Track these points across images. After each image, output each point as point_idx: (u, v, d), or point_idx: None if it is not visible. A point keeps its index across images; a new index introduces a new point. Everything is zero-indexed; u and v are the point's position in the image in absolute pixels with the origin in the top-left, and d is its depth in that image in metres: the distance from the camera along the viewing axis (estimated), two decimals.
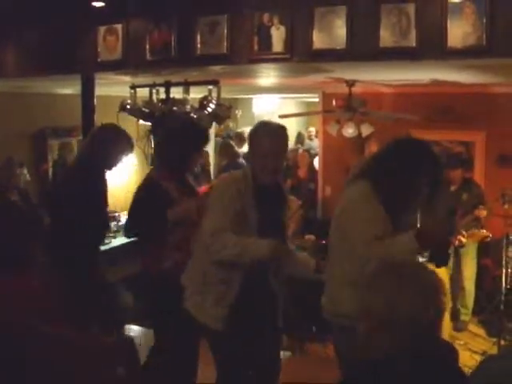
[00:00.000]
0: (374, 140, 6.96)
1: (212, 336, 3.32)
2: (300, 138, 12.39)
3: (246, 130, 11.73)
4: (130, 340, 2.54)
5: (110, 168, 4.42)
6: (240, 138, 10.08)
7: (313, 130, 11.73)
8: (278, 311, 3.51)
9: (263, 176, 3.22)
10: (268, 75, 6.34)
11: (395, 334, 1.55)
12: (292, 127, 12.73)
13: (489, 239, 5.66)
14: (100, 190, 4.37)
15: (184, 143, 3.94)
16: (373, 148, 6.91)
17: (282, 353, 5.19)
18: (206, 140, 4.17)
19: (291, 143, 11.79)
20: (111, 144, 4.33)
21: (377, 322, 1.56)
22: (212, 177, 9.13)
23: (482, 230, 5.64)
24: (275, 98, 11.56)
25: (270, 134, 3.24)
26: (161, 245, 3.84)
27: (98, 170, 4.35)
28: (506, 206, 5.37)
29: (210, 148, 10.32)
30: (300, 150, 9.98)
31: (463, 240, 5.52)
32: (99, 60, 5.31)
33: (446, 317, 5.43)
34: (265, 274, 3.33)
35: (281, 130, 3.30)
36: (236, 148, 9.16)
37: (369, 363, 1.59)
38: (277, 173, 3.28)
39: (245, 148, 9.63)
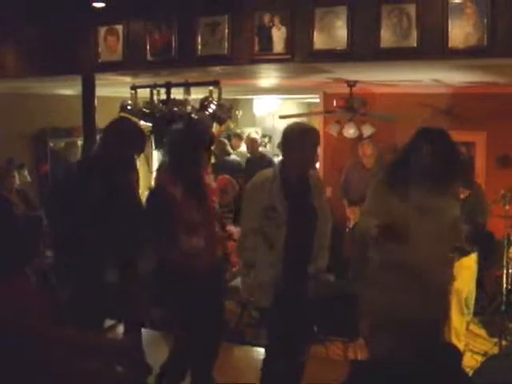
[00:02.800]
0: (367, 141, 6.89)
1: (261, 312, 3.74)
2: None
3: (246, 130, 11.75)
4: (136, 340, 2.53)
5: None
6: (239, 138, 10.11)
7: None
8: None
9: (300, 169, 3.63)
10: (269, 76, 6.34)
11: (398, 333, 1.54)
12: None
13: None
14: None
15: (185, 146, 3.91)
16: (366, 149, 6.82)
17: None
18: (208, 139, 4.16)
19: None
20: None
21: (380, 321, 1.56)
22: None
23: None
24: (276, 98, 11.55)
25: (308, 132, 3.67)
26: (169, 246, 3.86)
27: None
28: (507, 207, 5.37)
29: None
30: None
31: None
32: (100, 61, 5.31)
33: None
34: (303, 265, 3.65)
35: (314, 130, 3.76)
36: (228, 146, 9.21)
37: (372, 362, 1.59)
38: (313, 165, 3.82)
39: (243, 147, 9.70)
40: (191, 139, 3.93)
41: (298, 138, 3.60)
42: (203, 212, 3.86)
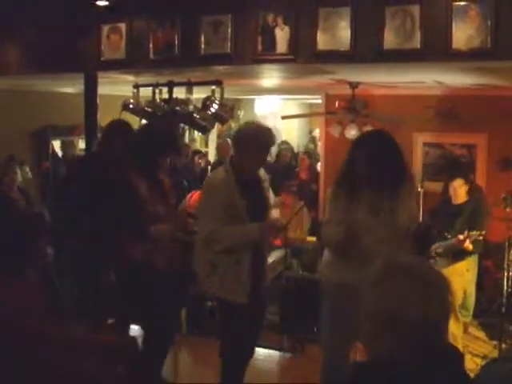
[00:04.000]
0: None
1: (234, 309, 3.76)
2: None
3: None
4: (133, 340, 2.54)
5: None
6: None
7: None
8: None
9: (253, 170, 3.84)
10: (271, 76, 6.33)
11: (401, 334, 1.54)
12: (294, 128, 12.73)
13: (481, 237, 5.58)
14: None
15: (147, 148, 4.03)
16: None
17: (282, 354, 5.23)
18: (169, 145, 4.22)
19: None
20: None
21: (382, 322, 1.56)
22: None
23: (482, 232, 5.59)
24: (278, 98, 11.56)
25: (261, 135, 3.83)
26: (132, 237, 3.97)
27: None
28: (508, 210, 5.36)
29: (211, 149, 10.34)
30: (300, 154, 10.05)
31: (466, 243, 5.47)
32: (102, 59, 5.31)
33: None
34: (262, 253, 3.93)
35: (268, 131, 3.88)
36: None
37: (373, 363, 1.59)
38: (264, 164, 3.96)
39: None
40: (150, 141, 4.06)
41: (251, 139, 3.77)
42: (167, 206, 4.04)
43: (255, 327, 4.03)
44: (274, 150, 10.57)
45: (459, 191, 5.59)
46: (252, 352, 4.07)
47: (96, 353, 2.57)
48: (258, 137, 3.79)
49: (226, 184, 3.74)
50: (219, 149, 9.48)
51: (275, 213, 4.30)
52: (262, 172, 4.03)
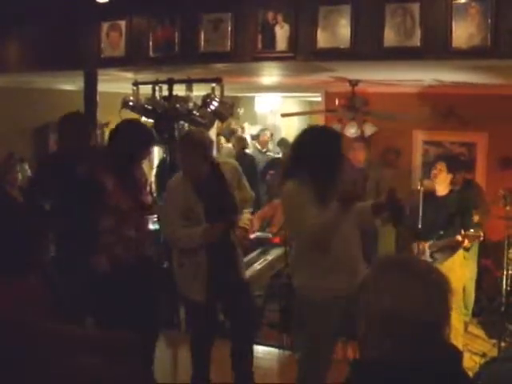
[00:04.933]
0: (358, 144, 6.73)
1: (192, 306, 4.07)
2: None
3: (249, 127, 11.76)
4: (135, 337, 2.53)
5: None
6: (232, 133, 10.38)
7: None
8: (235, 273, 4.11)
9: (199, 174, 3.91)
10: (271, 73, 6.33)
11: (399, 333, 1.54)
12: (294, 126, 12.72)
13: (481, 238, 5.57)
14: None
15: (121, 142, 4.06)
16: (358, 154, 6.66)
17: (282, 351, 5.22)
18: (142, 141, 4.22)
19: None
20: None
21: (380, 321, 1.55)
22: None
23: (479, 232, 5.58)
24: (277, 96, 11.54)
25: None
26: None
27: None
28: (508, 208, 5.35)
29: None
30: None
31: (466, 242, 5.47)
32: (102, 56, 5.31)
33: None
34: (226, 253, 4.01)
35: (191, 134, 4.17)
36: (246, 142, 9.71)
37: (372, 362, 1.59)
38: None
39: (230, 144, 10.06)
40: (128, 136, 4.06)
41: (179, 143, 4.13)
42: (133, 203, 4.03)
43: (211, 323, 4.16)
44: (271, 147, 10.63)
45: (439, 177, 5.52)
46: (212, 340, 4.21)
47: (97, 351, 2.57)
48: (181, 139, 4.16)
49: (182, 187, 3.89)
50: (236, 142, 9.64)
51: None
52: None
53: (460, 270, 5.44)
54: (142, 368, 3.76)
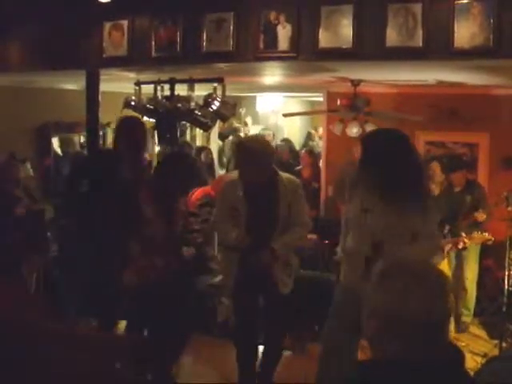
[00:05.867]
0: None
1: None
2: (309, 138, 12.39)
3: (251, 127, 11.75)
4: (141, 338, 2.54)
5: None
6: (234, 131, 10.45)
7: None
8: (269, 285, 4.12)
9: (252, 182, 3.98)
10: (273, 73, 6.33)
11: (403, 334, 1.54)
12: (296, 126, 12.72)
13: (490, 242, 5.61)
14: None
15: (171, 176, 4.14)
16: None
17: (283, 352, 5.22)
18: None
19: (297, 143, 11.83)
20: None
21: (386, 321, 1.56)
22: (216, 174, 9.14)
23: (484, 233, 5.60)
24: (279, 96, 11.54)
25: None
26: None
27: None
28: (510, 208, 5.35)
29: (213, 146, 10.34)
30: (302, 151, 10.02)
31: (466, 241, 5.49)
32: (104, 56, 5.30)
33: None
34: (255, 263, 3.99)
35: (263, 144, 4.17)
36: None
37: (378, 363, 1.59)
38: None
39: None
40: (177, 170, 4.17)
41: (243, 148, 4.16)
42: (168, 233, 4.13)
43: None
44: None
45: (460, 182, 5.66)
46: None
47: (97, 351, 2.57)
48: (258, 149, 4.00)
49: (234, 187, 4.01)
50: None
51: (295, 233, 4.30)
52: (293, 185, 4.09)
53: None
54: (142, 368, 3.78)
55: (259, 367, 4.31)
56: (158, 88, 5.49)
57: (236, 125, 10.98)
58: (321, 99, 8.71)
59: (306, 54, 4.48)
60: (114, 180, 4.25)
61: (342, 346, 3.61)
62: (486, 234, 5.53)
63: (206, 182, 6.54)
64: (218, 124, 8.16)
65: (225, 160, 10.43)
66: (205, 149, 9.24)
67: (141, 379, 2.54)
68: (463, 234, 5.52)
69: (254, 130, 11.65)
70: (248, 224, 3.98)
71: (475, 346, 5.59)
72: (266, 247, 3.94)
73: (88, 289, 4.14)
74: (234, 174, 4.15)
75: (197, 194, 6.16)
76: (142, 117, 5.60)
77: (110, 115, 4.92)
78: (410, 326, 1.53)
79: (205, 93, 5.47)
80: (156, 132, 5.70)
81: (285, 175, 4.12)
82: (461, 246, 5.45)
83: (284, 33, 4.48)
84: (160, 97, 5.49)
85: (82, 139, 8.31)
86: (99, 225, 4.21)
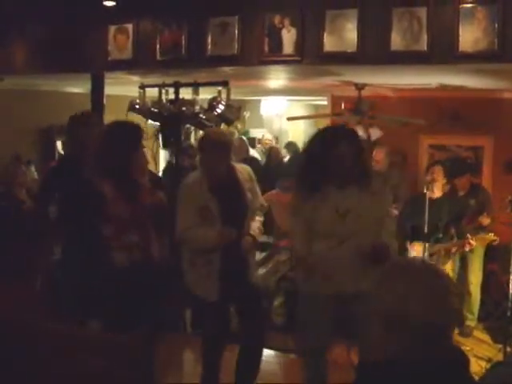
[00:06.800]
0: (381, 147, 6.82)
1: (204, 306, 4.00)
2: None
3: (254, 131, 11.77)
4: (142, 338, 2.54)
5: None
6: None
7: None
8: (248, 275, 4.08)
9: (218, 174, 3.90)
10: (278, 77, 6.34)
11: (405, 335, 1.54)
12: (300, 130, 12.72)
13: (496, 243, 5.61)
14: None
15: (115, 145, 3.81)
16: (379, 155, 6.76)
17: (286, 354, 5.22)
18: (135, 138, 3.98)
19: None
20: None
21: (388, 323, 1.56)
22: None
23: (489, 234, 5.62)
24: (283, 100, 11.55)
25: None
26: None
27: None
28: None
29: None
30: None
31: (472, 243, 5.50)
32: (109, 59, 5.33)
33: None
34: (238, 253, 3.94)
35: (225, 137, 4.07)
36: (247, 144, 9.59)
37: (378, 364, 1.59)
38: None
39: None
40: (121, 138, 3.85)
41: (202, 141, 4.04)
42: (135, 210, 3.84)
43: (223, 323, 4.15)
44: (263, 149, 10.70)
45: (465, 185, 5.67)
46: (224, 341, 4.18)
47: (97, 352, 2.57)
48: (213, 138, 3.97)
49: (199, 186, 3.88)
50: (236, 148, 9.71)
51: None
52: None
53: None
54: (142, 369, 3.76)
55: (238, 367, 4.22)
56: (163, 91, 5.50)
57: (242, 130, 11.01)
58: (325, 103, 8.72)
59: (311, 58, 4.49)
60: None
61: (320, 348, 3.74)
62: (492, 235, 5.54)
63: None
64: (223, 127, 8.16)
65: None
66: None
67: (141, 379, 2.54)
68: (469, 236, 5.53)
69: (256, 133, 11.68)
70: (222, 218, 3.88)
71: (479, 351, 5.57)
72: (242, 236, 3.96)
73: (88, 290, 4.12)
74: (194, 175, 4.03)
75: None
76: (147, 120, 5.61)
77: (114, 118, 4.91)
78: (410, 326, 1.53)
79: (209, 96, 5.47)
80: (160, 135, 5.71)
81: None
82: (467, 248, 5.46)
83: (288, 37, 4.49)
84: (164, 100, 5.49)
85: None
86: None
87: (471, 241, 5.45)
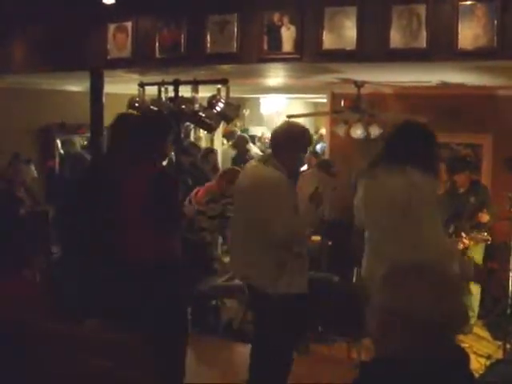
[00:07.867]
0: None
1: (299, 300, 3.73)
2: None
3: (254, 129, 11.78)
4: (140, 337, 2.54)
5: None
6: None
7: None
8: None
9: (297, 168, 4.02)
10: (277, 75, 6.33)
11: (410, 333, 1.54)
12: None
13: (488, 242, 5.61)
14: None
15: (140, 136, 3.91)
16: None
17: None
18: (165, 129, 4.08)
19: None
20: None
21: (392, 320, 1.56)
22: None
23: (483, 233, 5.60)
24: (283, 97, 11.56)
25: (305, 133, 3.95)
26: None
27: None
28: None
29: (218, 147, 10.35)
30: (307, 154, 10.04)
31: (466, 242, 5.50)
32: (108, 57, 5.32)
33: None
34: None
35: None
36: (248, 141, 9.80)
37: (383, 362, 1.59)
38: None
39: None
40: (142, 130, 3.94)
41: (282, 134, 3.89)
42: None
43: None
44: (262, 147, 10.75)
45: (464, 182, 5.70)
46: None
47: (97, 351, 2.57)
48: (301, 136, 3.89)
49: (285, 183, 3.69)
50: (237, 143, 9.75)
51: None
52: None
53: None
54: (144, 369, 3.75)
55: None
56: (162, 89, 5.49)
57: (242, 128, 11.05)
58: (324, 100, 8.71)
59: (310, 56, 4.49)
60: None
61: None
62: (485, 234, 5.53)
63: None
64: (222, 125, 8.15)
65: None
66: (212, 150, 9.24)
67: (141, 379, 2.53)
68: (463, 235, 5.54)
69: (255, 131, 11.71)
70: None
71: (479, 348, 5.58)
72: None
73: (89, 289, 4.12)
74: (274, 172, 3.73)
75: (201, 191, 6.17)
76: None
77: (114, 117, 4.91)
78: (413, 325, 1.53)
79: (209, 94, 5.47)
80: None
81: None
82: (461, 246, 5.47)
83: (288, 34, 4.49)
84: (164, 98, 5.48)
85: (85, 141, 8.34)
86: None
87: (465, 240, 5.46)
